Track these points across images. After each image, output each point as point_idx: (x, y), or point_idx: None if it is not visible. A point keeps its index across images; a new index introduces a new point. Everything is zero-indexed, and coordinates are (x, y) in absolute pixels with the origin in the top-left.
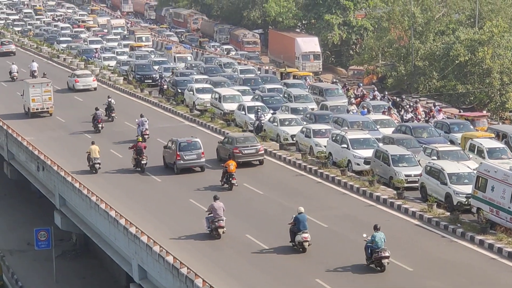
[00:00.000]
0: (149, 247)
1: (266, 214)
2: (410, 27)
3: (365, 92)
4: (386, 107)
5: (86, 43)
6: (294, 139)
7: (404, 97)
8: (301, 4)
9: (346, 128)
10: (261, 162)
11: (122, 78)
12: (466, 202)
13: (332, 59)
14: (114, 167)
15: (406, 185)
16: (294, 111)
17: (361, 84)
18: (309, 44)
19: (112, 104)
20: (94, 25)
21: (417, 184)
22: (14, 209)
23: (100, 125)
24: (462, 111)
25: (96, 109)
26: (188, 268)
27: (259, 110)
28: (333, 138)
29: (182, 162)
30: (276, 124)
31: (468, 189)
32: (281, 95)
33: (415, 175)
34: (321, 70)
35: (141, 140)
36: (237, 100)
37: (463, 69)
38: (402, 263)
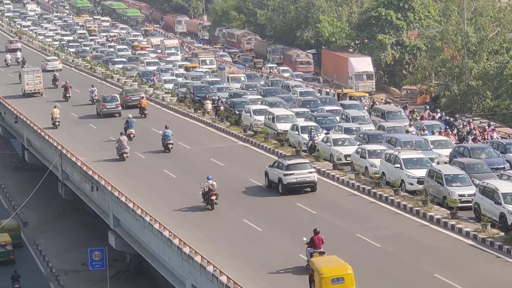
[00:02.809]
0: (203, 267)
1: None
2: (464, 46)
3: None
4: (442, 127)
5: (143, 64)
6: (348, 159)
7: (457, 116)
8: (354, 24)
9: (400, 148)
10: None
11: (176, 98)
12: None
13: (385, 79)
14: (167, 186)
15: (459, 205)
16: (348, 131)
17: (428, 107)
18: (362, 64)
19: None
20: (148, 45)
21: (471, 204)
22: (69, 229)
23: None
24: None
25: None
26: (241, 287)
27: (312, 130)
28: (386, 158)
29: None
30: (329, 144)
31: None
32: (334, 115)
33: (468, 195)
34: (374, 90)
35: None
36: (290, 120)
37: None
38: (456, 284)
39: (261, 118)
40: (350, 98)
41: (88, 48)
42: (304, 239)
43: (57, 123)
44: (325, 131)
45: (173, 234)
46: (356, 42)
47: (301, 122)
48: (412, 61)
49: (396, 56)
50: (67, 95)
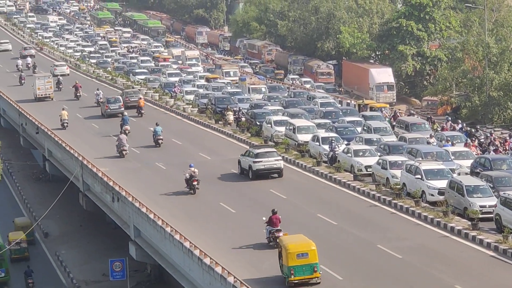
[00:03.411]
0: (223, 277)
1: (340, 246)
2: (485, 57)
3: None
4: (464, 139)
5: (165, 76)
6: (369, 170)
7: (478, 127)
8: (375, 35)
9: (420, 159)
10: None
11: (197, 109)
12: None
13: (406, 89)
14: (186, 195)
15: (480, 216)
16: (368, 142)
17: (449, 118)
18: (383, 75)
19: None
20: (169, 56)
21: (492, 215)
22: (90, 240)
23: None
24: None
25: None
26: None
27: (333, 141)
28: (407, 169)
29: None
30: (350, 155)
31: None
32: (355, 126)
33: (489, 206)
34: (395, 100)
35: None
36: (311, 131)
37: None
38: None
39: (282, 129)
40: (371, 109)
41: (109, 59)
42: (264, 218)
43: (65, 124)
44: (345, 142)
45: (193, 245)
46: (377, 53)
47: (322, 133)
48: (433, 72)
49: (417, 67)
50: (78, 94)
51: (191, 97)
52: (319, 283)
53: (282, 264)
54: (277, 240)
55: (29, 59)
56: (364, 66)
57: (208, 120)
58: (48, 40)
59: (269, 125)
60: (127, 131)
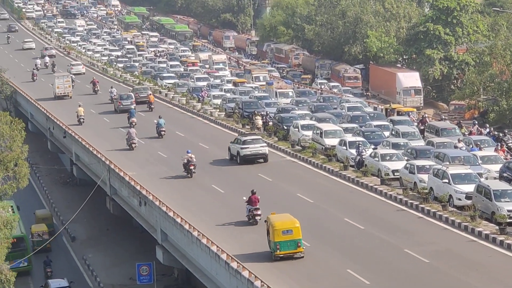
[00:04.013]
0: (251, 282)
1: (367, 250)
2: None
3: (481, 130)
4: (492, 143)
5: (193, 80)
6: (396, 174)
7: (506, 131)
8: (402, 39)
9: (448, 163)
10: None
11: (224, 113)
12: None
13: (433, 94)
14: (215, 202)
15: (508, 220)
16: (395, 146)
17: (476, 122)
18: (410, 79)
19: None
20: (196, 60)
21: None
22: (117, 244)
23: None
24: None
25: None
26: None
27: (360, 145)
28: (434, 173)
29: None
30: (377, 159)
31: None
32: (382, 131)
33: None
34: (422, 105)
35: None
36: (338, 135)
37: None
38: None
39: (309, 133)
40: (398, 113)
41: (137, 64)
42: (244, 198)
43: (81, 120)
44: (373, 146)
45: (220, 249)
46: (404, 57)
47: (349, 137)
48: (460, 76)
49: (444, 71)
50: (96, 89)
51: (218, 101)
52: (302, 257)
53: (269, 240)
54: (265, 218)
55: (47, 59)
56: (391, 70)
57: (235, 124)
58: (75, 44)
59: (296, 129)
60: (133, 123)
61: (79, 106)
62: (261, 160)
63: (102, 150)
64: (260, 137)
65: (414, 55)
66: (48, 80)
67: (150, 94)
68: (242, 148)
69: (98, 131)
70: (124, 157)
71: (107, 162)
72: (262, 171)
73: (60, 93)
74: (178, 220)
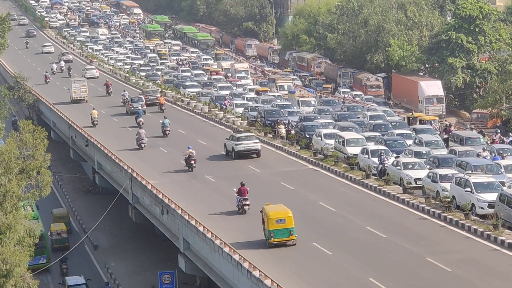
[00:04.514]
0: None
1: (389, 258)
2: None
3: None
4: None
5: (216, 89)
6: (419, 182)
7: None
8: (425, 48)
9: (470, 172)
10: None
11: (246, 122)
12: None
13: (456, 102)
14: (233, 208)
15: None
16: (418, 154)
17: (498, 131)
18: (432, 87)
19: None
20: (218, 69)
21: None
22: (139, 252)
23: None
24: None
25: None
26: None
27: (382, 154)
28: (457, 182)
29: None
30: (399, 167)
31: None
32: (404, 139)
33: None
34: (444, 113)
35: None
36: (360, 143)
37: None
38: None
39: (332, 142)
40: (420, 122)
41: (159, 73)
42: (234, 189)
43: (95, 122)
44: (395, 155)
45: (243, 258)
46: (426, 65)
47: (371, 146)
48: (482, 84)
49: (466, 80)
50: (109, 90)
51: (240, 110)
52: (294, 244)
53: (264, 228)
54: (261, 209)
55: (62, 63)
56: (413, 79)
57: (257, 133)
58: (97, 53)
59: (319, 138)
60: (141, 123)
61: (93, 109)
62: (254, 155)
63: (113, 150)
64: (253, 134)
65: (436, 64)
66: (62, 84)
67: (160, 96)
68: (236, 144)
69: (108, 131)
70: (146, 164)
71: (129, 171)
72: (284, 179)
73: (77, 97)
74: (201, 228)
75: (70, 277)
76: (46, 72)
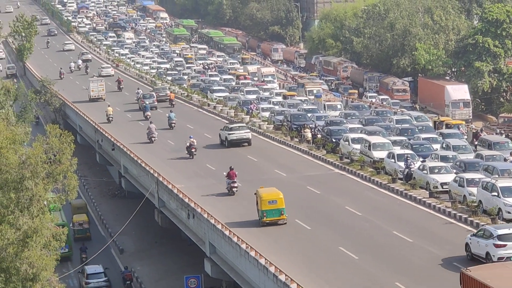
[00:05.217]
0: None
1: (415, 263)
2: None
3: None
4: None
5: (243, 93)
6: (445, 187)
7: None
8: (451, 52)
9: (497, 176)
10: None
11: (272, 126)
12: None
13: (482, 106)
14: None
15: None
16: (444, 158)
17: None
18: (459, 91)
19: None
20: (245, 73)
21: None
22: (165, 256)
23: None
24: None
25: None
26: None
27: (408, 158)
28: (483, 186)
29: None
30: (425, 172)
31: None
32: (430, 143)
33: None
34: (471, 117)
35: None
36: (386, 148)
37: None
38: None
39: (359, 146)
40: (447, 126)
41: (186, 77)
42: (224, 173)
43: (110, 118)
44: (421, 159)
45: (269, 262)
46: (453, 69)
47: (398, 150)
48: (509, 88)
49: (493, 84)
50: (121, 86)
51: (267, 114)
52: (285, 223)
53: (258, 209)
54: (255, 191)
55: (80, 61)
56: (440, 83)
57: (283, 137)
58: (124, 57)
59: (347, 143)
60: (148, 116)
61: (108, 106)
62: (246, 144)
63: (126, 143)
64: (245, 125)
65: (463, 68)
66: (75, 80)
67: (170, 92)
68: (229, 134)
69: (121, 125)
70: (173, 169)
71: (156, 175)
72: (310, 183)
73: (94, 96)
74: (227, 232)
75: (89, 266)
76: (61, 68)
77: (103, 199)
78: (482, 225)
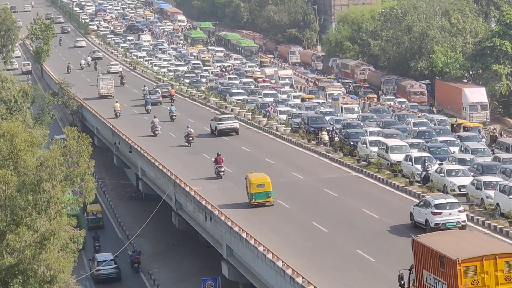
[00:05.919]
0: None
1: None
2: None
3: None
4: None
5: (261, 96)
6: (462, 190)
7: None
8: (469, 55)
9: None
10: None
11: (290, 129)
12: None
13: (500, 109)
14: (281, 216)
15: None
16: (461, 161)
17: None
18: (476, 94)
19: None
20: (262, 76)
21: None
22: (183, 259)
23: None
24: None
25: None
26: None
27: (425, 161)
28: (501, 189)
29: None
30: (443, 174)
31: None
32: (448, 146)
33: None
34: (488, 120)
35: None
36: (404, 150)
37: None
38: None
39: (376, 149)
40: (464, 128)
41: (204, 79)
42: (212, 159)
43: (118, 114)
44: (438, 162)
45: (286, 264)
46: (471, 72)
47: (415, 152)
48: None
49: (511, 87)
50: (123, 81)
51: (284, 116)
52: (272, 205)
53: (247, 192)
54: (245, 176)
55: (89, 58)
56: (457, 85)
57: (300, 140)
58: (141, 59)
59: (364, 146)
60: (149, 110)
61: (116, 102)
62: (233, 133)
63: (130, 135)
64: (233, 115)
65: (480, 71)
66: (85, 75)
67: (171, 89)
68: (218, 124)
69: (129, 119)
70: (188, 171)
71: (173, 177)
72: (328, 186)
73: (104, 93)
74: (244, 235)
75: (100, 253)
76: (69, 63)
77: (121, 201)
78: (500, 228)
